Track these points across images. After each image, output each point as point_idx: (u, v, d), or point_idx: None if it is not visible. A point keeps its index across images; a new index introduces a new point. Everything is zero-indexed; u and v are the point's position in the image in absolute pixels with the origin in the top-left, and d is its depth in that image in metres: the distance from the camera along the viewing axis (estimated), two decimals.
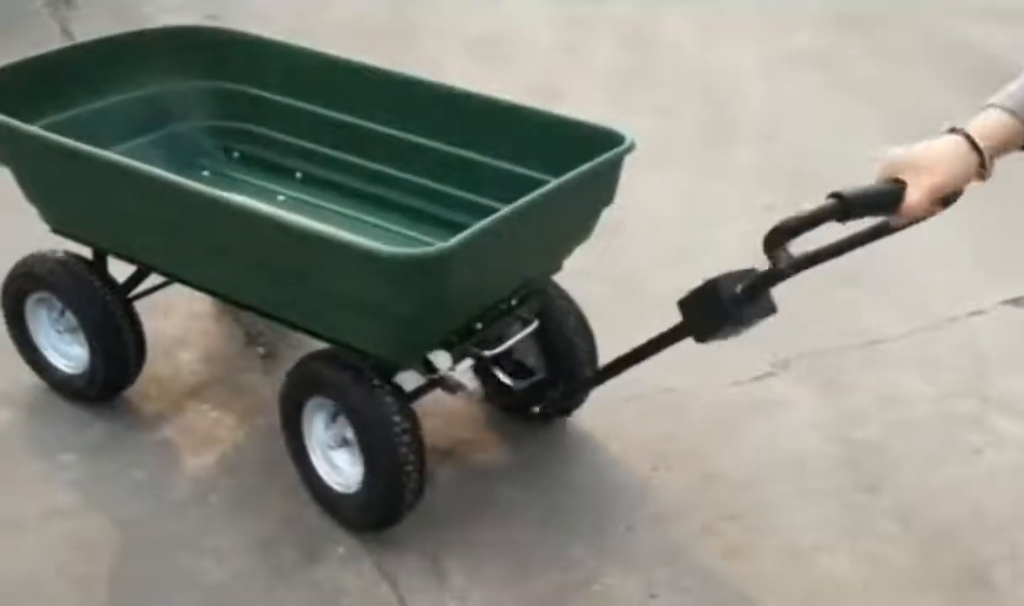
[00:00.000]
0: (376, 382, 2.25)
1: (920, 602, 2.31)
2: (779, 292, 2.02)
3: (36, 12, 5.18)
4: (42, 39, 4.83)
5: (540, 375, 2.55)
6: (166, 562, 2.35)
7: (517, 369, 2.56)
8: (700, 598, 2.28)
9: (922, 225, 1.73)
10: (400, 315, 2.12)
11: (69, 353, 2.72)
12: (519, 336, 2.44)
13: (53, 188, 2.55)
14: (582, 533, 2.42)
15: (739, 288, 1.95)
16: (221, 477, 2.56)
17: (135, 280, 2.69)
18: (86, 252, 2.67)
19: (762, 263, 1.90)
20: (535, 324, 2.48)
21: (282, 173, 2.91)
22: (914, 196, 1.63)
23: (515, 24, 5.25)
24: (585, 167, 2.32)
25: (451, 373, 2.33)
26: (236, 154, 2.96)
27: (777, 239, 1.79)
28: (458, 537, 2.40)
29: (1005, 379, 2.90)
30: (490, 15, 5.29)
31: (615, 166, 2.40)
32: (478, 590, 2.28)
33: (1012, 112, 1.58)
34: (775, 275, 1.89)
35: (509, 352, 2.48)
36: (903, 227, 1.73)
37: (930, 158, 1.62)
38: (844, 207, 1.67)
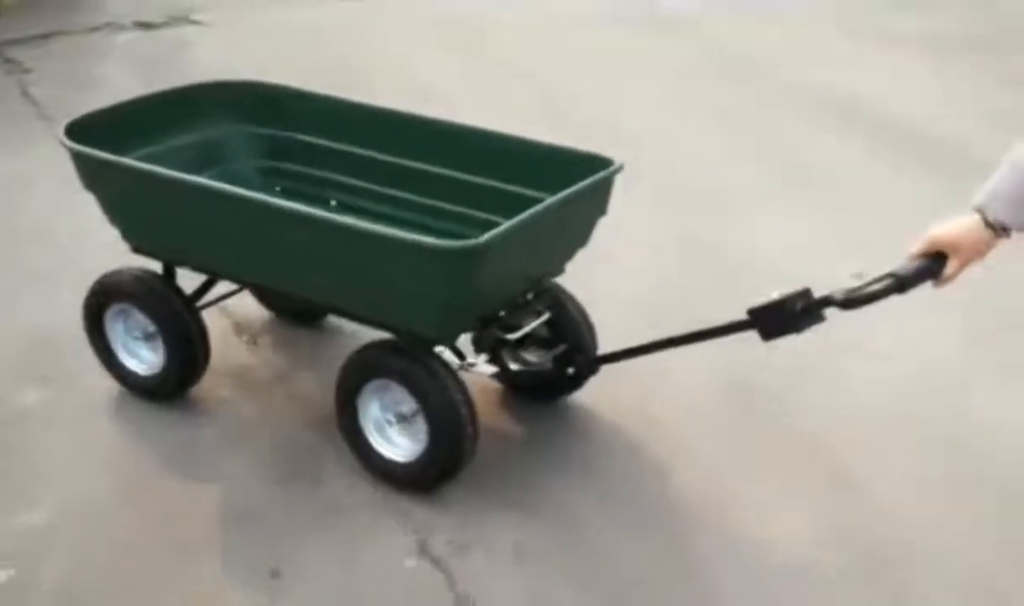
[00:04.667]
0: (433, 360, 2.73)
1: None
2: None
3: None
4: (4, 99, 5.42)
5: (561, 349, 2.98)
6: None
7: (535, 351, 3.02)
8: None
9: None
10: (447, 299, 2.59)
11: (144, 358, 3.16)
12: (536, 323, 2.93)
13: (138, 211, 2.99)
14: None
15: (799, 306, 2.41)
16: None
17: (202, 291, 3.16)
18: (156, 267, 3.14)
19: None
20: (547, 315, 2.98)
21: (319, 203, 3.37)
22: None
23: None
24: (587, 182, 2.81)
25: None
26: (278, 189, 3.44)
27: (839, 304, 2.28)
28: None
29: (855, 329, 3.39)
30: None
31: (608, 183, 2.91)
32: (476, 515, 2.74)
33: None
34: (829, 303, 2.36)
35: (528, 337, 2.95)
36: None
37: (968, 241, 2.02)
38: (900, 284, 2.15)
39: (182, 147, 3.30)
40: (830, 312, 2.41)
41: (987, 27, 7.05)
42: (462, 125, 3.23)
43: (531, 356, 3.01)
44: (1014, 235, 2.03)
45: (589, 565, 2.64)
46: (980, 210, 2.01)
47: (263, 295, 3.59)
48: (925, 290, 2.19)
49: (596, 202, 2.92)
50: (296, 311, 3.58)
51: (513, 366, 2.93)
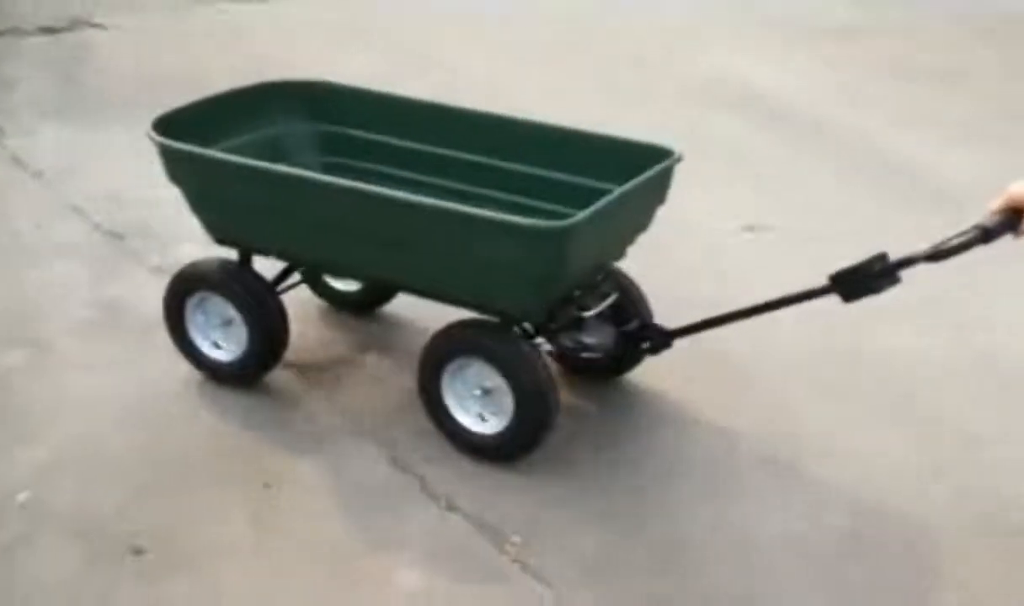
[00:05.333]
0: (520, 337, 2.91)
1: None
2: None
3: None
4: None
5: (635, 325, 3.18)
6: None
7: (595, 331, 3.20)
8: None
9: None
10: (541, 277, 2.78)
11: (224, 344, 3.30)
12: (608, 301, 3.13)
13: (227, 203, 3.13)
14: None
15: (877, 268, 2.65)
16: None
17: (282, 277, 3.31)
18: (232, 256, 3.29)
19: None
20: (615, 295, 3.18)
21: None
22: None
23: None
24: (652, 171, 3.01)
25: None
26: None
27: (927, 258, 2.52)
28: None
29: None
30: None
31: (669, 172, 3.11)
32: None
33: None
34: (914, 261, 2.60)
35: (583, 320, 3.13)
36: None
37: None
38: (985, 235, 2.42)
39: (251, 143, 3.43)
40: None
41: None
42: (515, 117, 3.41)
43: (594, 336, 3.21)
44: None
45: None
46: None
47: (318, 285, 3.74)
48: None
49: (659, 190, 3.13)
50: (353, 301, 3.74)
51: (588, 341, 3.11)
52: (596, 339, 3.21)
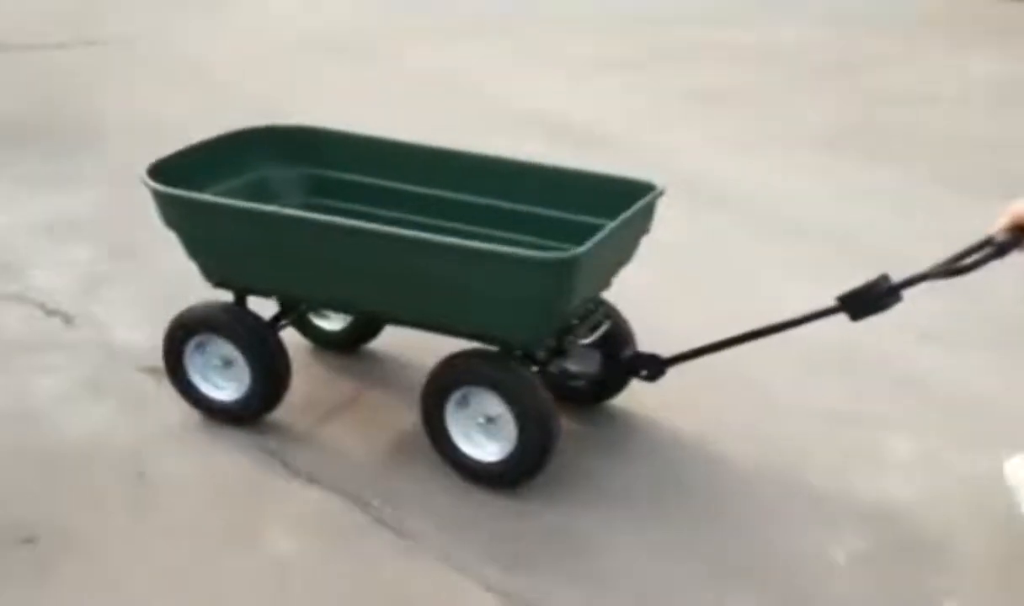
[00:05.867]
0: (522, 365, 3.03)
1: None
2: None
3: None
4: None
5: (631, 353, 3.33)
6: None
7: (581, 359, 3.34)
8: None
9: None
10: (547, 306, 2.90)
11: (225, 386, 3.36)
12: (602, 329, 3.27)
13: (225, 247, 3.20)
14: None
15: (886, 287, 2.83)
16: None
17: (279, 317, 3.38)
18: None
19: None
20: (607, 324, 3.32)
21: None
22: None
23: None
24: (640, 204, 3.16)
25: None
26: None
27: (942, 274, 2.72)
28: None
29: None
30: None
31: (653, 205, 3.29)
32: None
33: None
34: (926, 278, 2.79)
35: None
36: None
37: None
38: (1000, 250, 2.63)
39: (239, 188, 3.50)
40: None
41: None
42: (496, 156, 3.55)
43: (580, 364, 3.35)
44: None
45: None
46: None
47: (305, 326, 3.81)
48: None
49: (644, 222, 3.29)
50: (338, 340, 3.81)
51: (574, 368, 3.24)
52: (582, 367, 3.35)
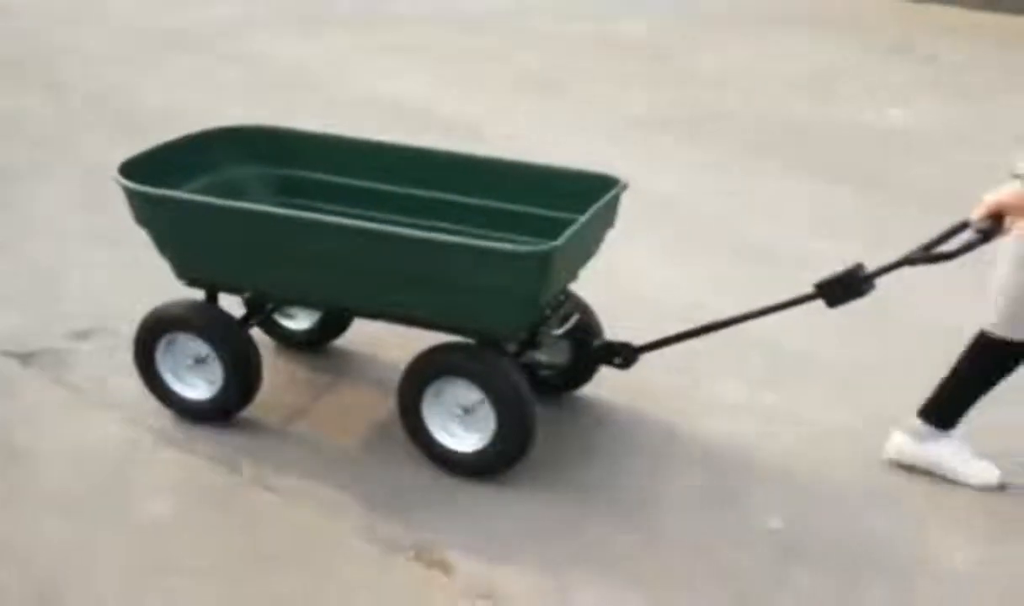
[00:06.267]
0: (502, 356, 3.09)
1: None
2: None
3: None
4: None
5: (603, 342, 3.42)
6: None
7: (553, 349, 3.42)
8: None
9: None
10: (530, 296, 2.96)
11: (197, 384, 3.36)
12: (574, 320, 3.35)
13: (199, 245, 3.20)
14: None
15: (863, 274, 2.94)
16: None
17: (248, 317, 3.39)
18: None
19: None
20: (577, 316, 3.40)
21: None
22: (1010, 222, 2.73)
23: None
24: (606, 197, 3.26)
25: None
26: None
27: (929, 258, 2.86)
28: None
29: None
30: None
31: (618, 199, 3.38)
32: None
33: None
34: (895, 266, 2.91)
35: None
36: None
37: (1014, 201, 2.70)
38: (985, 236, 2.77)
39: (208, 188, 3.51)
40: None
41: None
42: (457, 153, 3.62)
43: (551, 354, 3.43)
44: None
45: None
46: (1018, 176, 2.70)
47: (271, 325, 3.82)
48: None
49: (610, 216, 3.38)
50: (303, 339, 3.83)
51: (544, 359, 3.35)
52: (552, 358, 3.43)
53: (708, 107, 7.00)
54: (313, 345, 3.85)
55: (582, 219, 3.08)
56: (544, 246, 2.93)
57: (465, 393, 3.13)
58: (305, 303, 3.47)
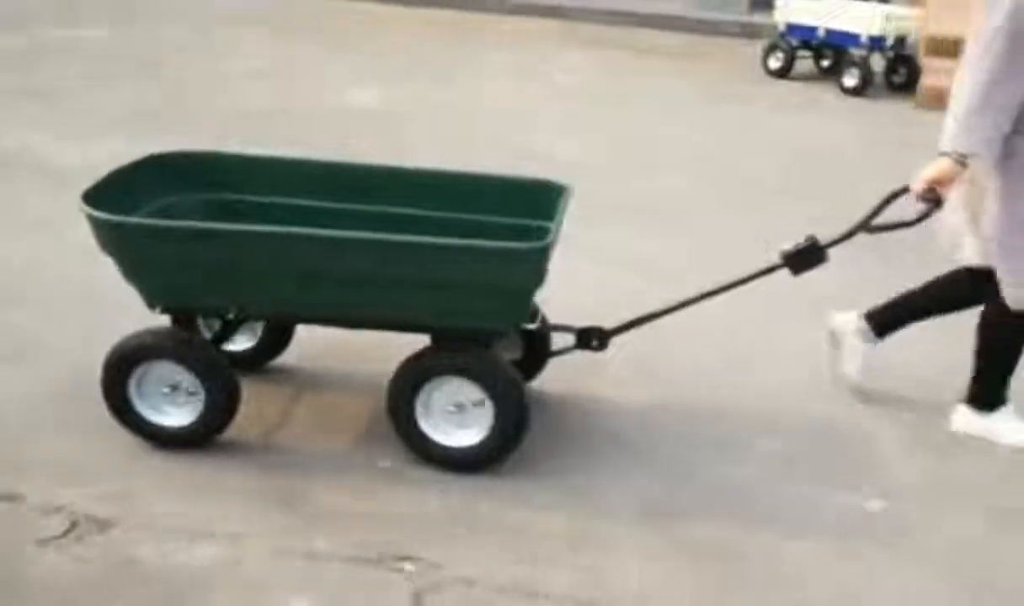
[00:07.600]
0: (493, 351, 3.22)
1: None
2: None
3: None
4: None
5: (577, 329, 3.57)
6: None
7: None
8: None
9: None
10: (516, 292, 3.12)
11: (173, 412, 3.29)
12: (540, 315, 3.55)
13: (174, 271, 3.15)
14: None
15: (823, 243, 3.28)
16: None
17: (224, 336, 3.35)
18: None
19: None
20: (541, 312, 3.59)
21: None
22: (946, 193, 3.16)
23: None
24: (563, 205, 3.46)
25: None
26: None
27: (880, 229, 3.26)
28: None
29: None
30: None
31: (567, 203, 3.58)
32: None
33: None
34: (846, 236, 3.27)
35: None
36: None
37: (945, 173, 3.12)
38: (937, 203, 3.18)
39: (152, 214, 3.44)
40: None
41: None
42: (396, 167, 3.72)
43: (508, 349, 3.60)
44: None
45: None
46: (944, 153, 3.14)
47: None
48: None
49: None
50: (244, 359, 3.79)
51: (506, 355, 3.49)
52: (509, 352, 3.60)
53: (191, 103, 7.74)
54: (253, 366, 3.81)
55: (558, 219, 3.27)
56: (541, 242, 3.11)
57: (459, 391, 3.24)
58: (295, 319, 3.45)
